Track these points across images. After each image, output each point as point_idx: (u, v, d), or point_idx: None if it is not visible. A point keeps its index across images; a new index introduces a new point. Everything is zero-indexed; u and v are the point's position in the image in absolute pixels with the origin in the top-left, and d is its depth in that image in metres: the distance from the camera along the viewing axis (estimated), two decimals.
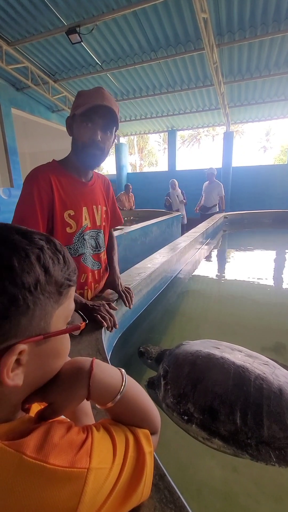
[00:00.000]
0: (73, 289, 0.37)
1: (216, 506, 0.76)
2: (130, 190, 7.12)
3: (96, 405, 0.42)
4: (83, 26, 4.59)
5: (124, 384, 0.41)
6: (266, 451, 0.68)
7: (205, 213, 6.10)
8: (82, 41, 4.74)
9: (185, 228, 6.04)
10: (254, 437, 0.70)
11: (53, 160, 1.07)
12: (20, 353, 0.30)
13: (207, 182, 6.18)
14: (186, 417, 0.79)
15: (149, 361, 1.14)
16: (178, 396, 0.84)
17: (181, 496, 0.44)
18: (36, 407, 0.43)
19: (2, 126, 6.56)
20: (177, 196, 6.62)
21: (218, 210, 6.25)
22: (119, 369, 0.44)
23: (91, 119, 0.94)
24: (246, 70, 6.07)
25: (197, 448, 0.84)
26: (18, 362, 0.31)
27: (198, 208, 6.39)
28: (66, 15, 4.60)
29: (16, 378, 0.31)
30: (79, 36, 4.60)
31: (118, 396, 0.40)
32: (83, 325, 0.39)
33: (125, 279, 1.57)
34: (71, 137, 1.04)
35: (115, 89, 7.22)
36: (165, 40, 5.19)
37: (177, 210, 6.50)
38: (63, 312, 0.36)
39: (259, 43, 5.14)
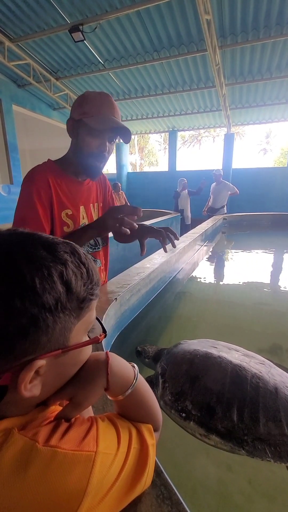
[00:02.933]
0: (95, 302, 0.37)
1: (211, 504, 0.77)
2: (120, 188, 6.90)
3: (108, 396, 0.42)
4: (86, 24, 4.59)
5: (136, 378, 0.43)
6: (262, 447, 0.69)
7: (213, 215, 6.00)
8: (85, 39, 4.74)
9: (189, 228, 5.55)
10: (251, 434, 0.71)
11: (49, 160, 1.03)
12: (39, 367, 0.31)
13: (214, 183, 6.11)
14: (184, 414, 0.79)
15: (147, 360, 1.15)
16: (176, 394, 0.85)
17: (177, 493, 0.45)
18: None
19: (3, 122, 6.54)
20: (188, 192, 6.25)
21: (226, 211, 6.21)
22: (130, 363, 0.45)
23: (103, 134, 0.93)
24: (248, 72, 6.10)
25: (192, 446, 0.84)
26: (36, 373, 0.31)
27: (206, 209, 6.37)
28: (70, 13, 4.60)
29: (34, 389, 0.32)
30: (82, 34, 4.60)
31: (130, 390, 0.41)
32: (102, 337, 0.39)
33: (124, 278, 1.57)
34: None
35: (117, 88, 7.22)
36: (167, 41, 5.20)
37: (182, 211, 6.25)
38: (83, 325, 0.36)
39: (261, 46, 5.16)
